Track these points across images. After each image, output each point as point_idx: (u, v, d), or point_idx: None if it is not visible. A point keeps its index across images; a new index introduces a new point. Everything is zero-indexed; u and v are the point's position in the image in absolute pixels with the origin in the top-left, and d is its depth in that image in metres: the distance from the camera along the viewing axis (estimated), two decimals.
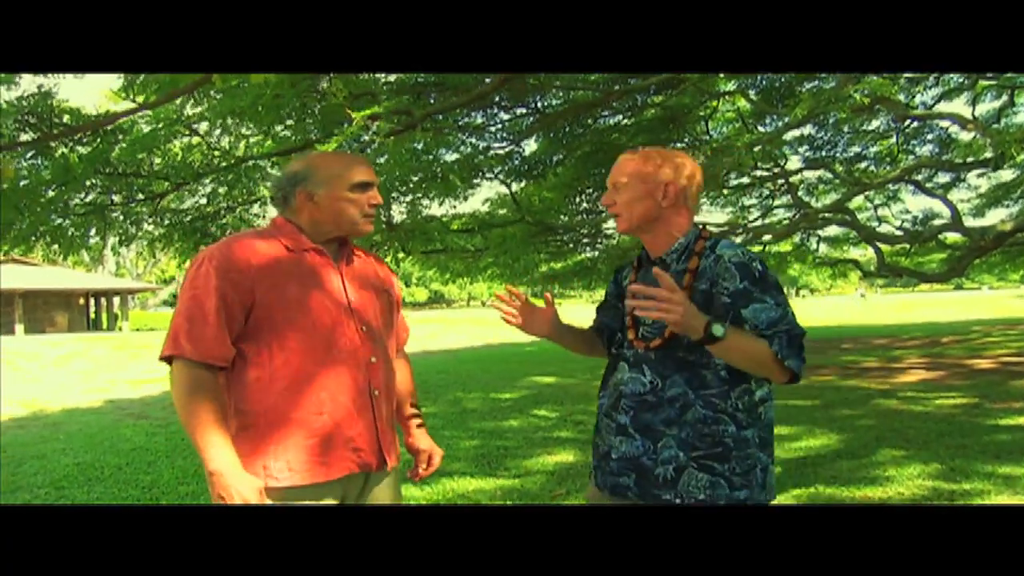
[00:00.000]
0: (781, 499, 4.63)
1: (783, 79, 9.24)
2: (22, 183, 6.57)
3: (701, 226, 2.15)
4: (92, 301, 37.73)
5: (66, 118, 6.33)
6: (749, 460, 1.98)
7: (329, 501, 2.01)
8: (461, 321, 36.61)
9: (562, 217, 11.39)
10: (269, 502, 1.91)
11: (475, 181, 9.63)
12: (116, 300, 37.94)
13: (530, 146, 10.07)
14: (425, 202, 9.74)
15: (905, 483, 4.85)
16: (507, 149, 9.53)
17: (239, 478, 1.86)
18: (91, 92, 12.60)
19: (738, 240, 13.58)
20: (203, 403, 1.89)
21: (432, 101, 7.35)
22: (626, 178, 2.08)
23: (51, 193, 6.86)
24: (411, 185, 8.75)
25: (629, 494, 2.05)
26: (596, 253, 13.32)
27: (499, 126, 9.18)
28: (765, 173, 12.23)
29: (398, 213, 9.72)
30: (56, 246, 8.11)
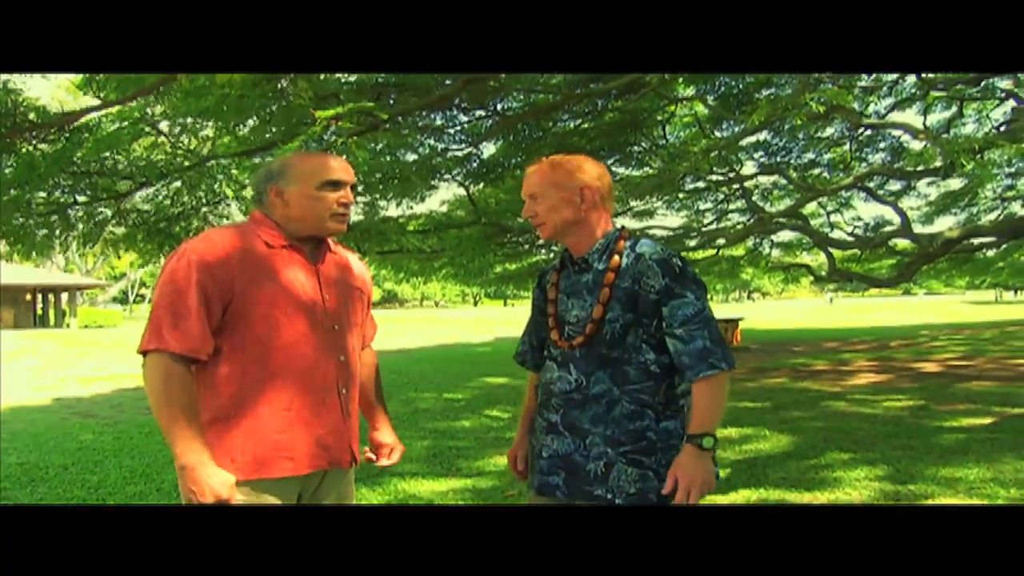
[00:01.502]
0: (730, 500, 4.69)
1: (740, 86, 9.35)
2: None
3: (620, 226, 2.21)
4: (40, 297, 36.90)
5: (32, 115, 6.19)
6: (674, 452, 2.03)
7: (290, 497, 2.03)
8: (414, 321, 36.49)
9: (518, 219, 11.42)
10: (239, 496, 1.92)
11: (433, 182, 9.61)
12: (64, 296, 37.15)
13: (489, 149, 10.07)
14: (382, 203, 9.70)
15: (853, 484, 4.93)
16: (465, 151, 9.52)
17: (210, 473, 1.87)
18: (52, 89, 12.35)
19: (692, 243, 13.77)
20: (177, 397, 1.89)
21: (392, 102, 7.31)
22: (540, 188, 2.14)
23: (13, 192, 6.71)
24: (369, 185, 8.70)
25: (557, 493, 2.11)
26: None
27: (458, 128, 9.16)
28: (720, 178, 12.37)
29: (354, 213, 9.66)
30: (19, 246, 7.91)
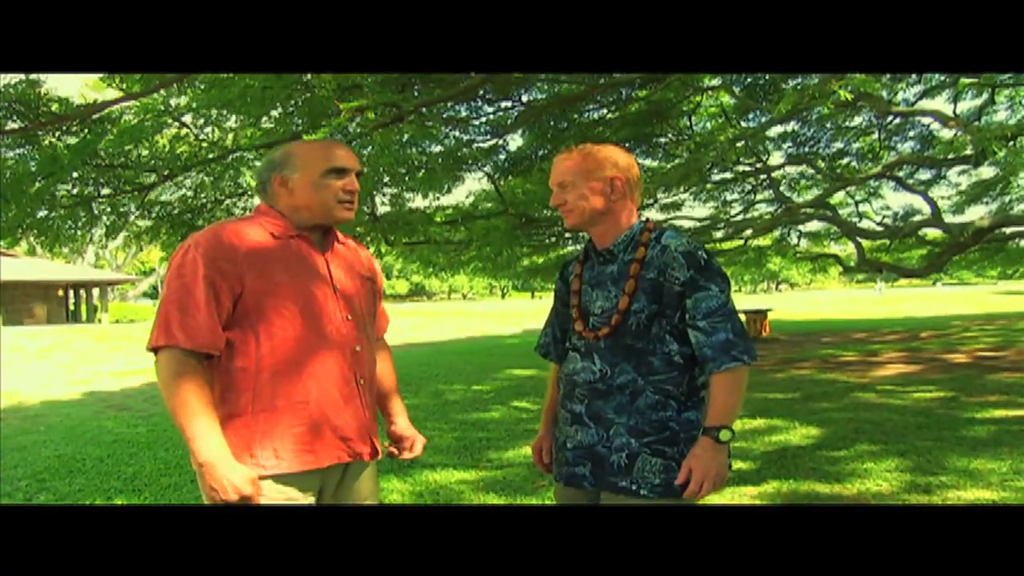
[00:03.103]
0: (760, 492, 4.68)
1: (767, 75, 9.27)
2: (8, 174, 6.50)
3: (646, 218, 2.22)
4: (71, 292, 37.41)
5: (54, 107, 6.24)
6: (695, 443, 2.03)
7: (311, 491, 2.01)
8: (442, 314, 36.62)
9: (545, 211, 11.44)
10: (262, 493, 1.90)
11: (459, 174, 9.63)
12: (96, 291, 37.64)
13: (515, 140, 10.07)
14: (408, 195, 9.73)
15: (883, 476, 4.91)
16: (491, 143, 9.53)
17: (231, 469, 1.84)
18: (75, 83, 12.48)
19: (719, 234, 13.71)
20: (192, 393, 1.86)
21: (417, 93, 7.33)
22: (571, 176, 2.14)
23: (38, 184, 6.79)
24: (395, 177, 8.73)
25: (585, 484, 2.13)
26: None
27: (483, 119, 9.16)
28: (747, 168, 12.28)
29: (381, 204, 9.72)
30: (43, 239, 7.99)
